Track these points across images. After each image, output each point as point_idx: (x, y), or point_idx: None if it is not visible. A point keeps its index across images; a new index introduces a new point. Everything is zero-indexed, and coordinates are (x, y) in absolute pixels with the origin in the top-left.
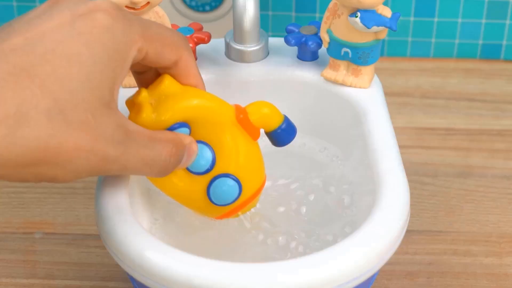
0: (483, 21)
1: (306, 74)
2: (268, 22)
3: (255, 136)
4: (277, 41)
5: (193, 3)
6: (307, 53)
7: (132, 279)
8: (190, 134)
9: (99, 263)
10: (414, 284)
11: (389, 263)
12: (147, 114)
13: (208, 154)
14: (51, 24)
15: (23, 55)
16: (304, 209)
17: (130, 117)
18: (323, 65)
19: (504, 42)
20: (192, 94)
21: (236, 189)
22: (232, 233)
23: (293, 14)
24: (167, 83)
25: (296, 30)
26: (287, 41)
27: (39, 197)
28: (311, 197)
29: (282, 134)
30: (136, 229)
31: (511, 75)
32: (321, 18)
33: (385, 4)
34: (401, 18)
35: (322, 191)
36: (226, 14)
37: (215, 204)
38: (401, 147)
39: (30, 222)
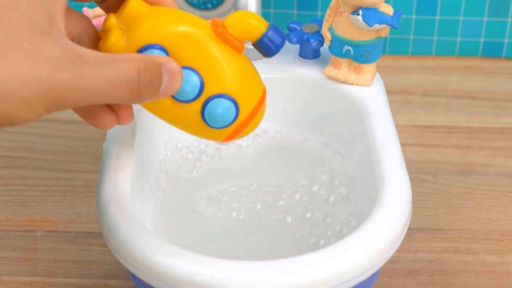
0: (485, 19)
1: (308, 72)
2: (269, 20)
3: (239, 49)
4: None
5: (195, 1)
6: (309, 51)
7: (134, 277)
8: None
9: (101, 261)
10: (416, 282)
11: (390, 261)
12: (116, 38)
13: (194, 78)
14: None
15: None
16: (307, 201)
17: (99, 44)
18: (325, 63)
19: (506, 40)
20: (162, 15)
21: (232, 108)
22: (234, 228)
23: (295, 12)
24: (134, 4)
25: (298, 28)
26: (288, 39)
27: (40, 195)
28: (316, 184)
29: (269, 42)
30: (138, 227)
31: None
32: (323, 16)
33: (386, 2)
34: (402, 16)
35: (325, 184)
36: (228, 12)
37: (214, 128)
38: (402, 145)
39: (31, 220)
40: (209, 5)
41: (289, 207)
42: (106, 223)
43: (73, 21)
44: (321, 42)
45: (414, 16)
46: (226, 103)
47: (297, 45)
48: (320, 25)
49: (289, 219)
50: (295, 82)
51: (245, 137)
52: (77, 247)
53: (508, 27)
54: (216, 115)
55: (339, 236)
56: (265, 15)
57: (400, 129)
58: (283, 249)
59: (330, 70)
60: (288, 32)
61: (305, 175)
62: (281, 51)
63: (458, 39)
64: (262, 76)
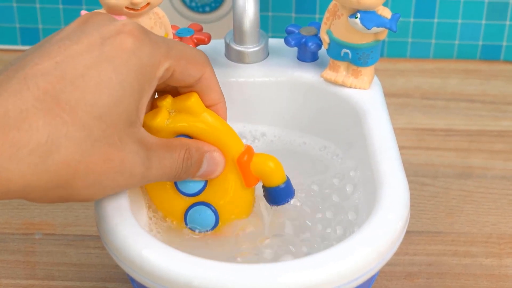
0: (483, 22)
1: (306, 75)
2: (268, 23)
3: (249, 183)
4: (277, 42)
5: (193, 4)
6: (307, 54)
7: (132, 280)
8: None
9: (99, 264)
10: (414, 285)
11: (389, 264)
12: (162, 119)
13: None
14: (80, 47)
15: (53, 79)
16: (307, 202)
17: (145, 116)
18: (323, 66)
19: (504, 43)
20: (209, 119)
21: (213, 221)
22: (234, 230)
23: (293, 15)
24: (193, 100)
25: (296, 31)
26: (287, 42)
27: None
28: (315, 187)
29: (278, 194)
30: (136, 230)
31: (511, 76)
32: (321, 19)
33: (385, 5)
34: (401, 19)
35: (323, 187)
36: (226, 15)
37: (189, 228)
38: (400, 148)
39: (30, 223)
40: (207, 8)
41: (288, 210)
42: (104, 226)
43: None
44: (319, 45)
45: (412, 19)
46: (209, 213)
47: (295, 48)
48: (318, 28)
49: (287, 221)
50: (293, 85)
51: (243, 141)
52: (76, 250)
53: (506, 30)
54: (196, 218)
55: (338, 238)
56: (263, 18)
57: (399, 132)
58: (282, 252)
59: (328, 73)
60: (286, 35)
61: (303, 178)
62: (279, 54)
63: (456, 42)
64: (260, 79)
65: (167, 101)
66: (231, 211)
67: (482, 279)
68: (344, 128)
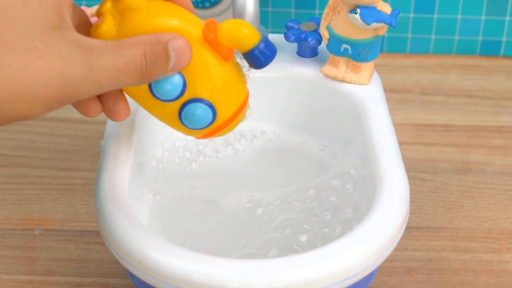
0: (483, 17)
1: (306, 70)
2: (267, 19)
3: (226, 57)
4: (276, 38)
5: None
6: (307, 49)
7: (132, 276)
8: None
9: (99, 260)
10: (414, 281)
11: (388, 259)
12: (107, 26)
13: (175, 79)
14: None
15: None
16: (307, 201)
17: (91, 30)
18: (322, 61)
19: (504, 39)
20: (157, 9)
21: (208, 113)
22: (234, 224)
23: (293, 10)
24: None
25: (296, 27)
26: (286, 38)
27: (38, 193)
28: (313, 191)
29: (258, 57)
30: (136, 226)
31: (511, 72)
32: (320, 15)
33: (384, 0)
34: (400, 14)
35: (324, 184)
36: (226, 10)
37: (189, 128)
38: (400, 143)
39: (29, 219)
40: (207, 4)
41: (288, 207)
42: (104, 221)
43: (74, 13)
44: (319, 41)
45: (412, 15)
46: (203, 108)
47: (295, 44)
48: (318, 23)
49: (288, 218)
50: (293, 81)
51: (243, 140)
52: (75, 246)
53: (506, 26)
54: (192, 118)
55: (338, 234)
56: (263, 13)
57: (398, 127)
58: (283, 247)
59: (328, 68)
60: (286, 30)
61: (302, 180)
62: (279, 49)
63: (456, 37)
64: (259, 74)
65: (107, 6)
66: (223, 95)
67: (482, 275)
68: (343, 124)
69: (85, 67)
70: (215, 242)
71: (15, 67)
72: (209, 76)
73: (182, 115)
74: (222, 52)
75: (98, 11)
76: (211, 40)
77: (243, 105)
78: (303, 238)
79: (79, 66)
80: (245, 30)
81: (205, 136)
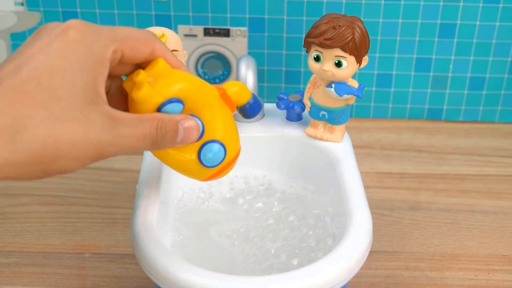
0: (429, 90)
1: (293, 131)
2: (263, 91)
3: (232, 108)
4: (270, 106)
5: (206, 77)
6: (294, 115)
7: None
8: (184, 108)
9: (134, 276)
10: None
11: (356, 276)
12: (148, 89)
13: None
14: (34, 49)
15: (13, 77)
16: (294, 226)
17: (131, 95)
18: (306, 124)
19: (445, 107)
20: (182, 75)
21: (222, 152)
22: (235, 251)
23: (283, 85)
24: (161, 65)
25: (285, 98)
26: (278, 106)
27: (88, 225)
28: (299, 220)
29: (250, 109)
30: (163, 250)
31: (451, 132)
32: (304, 88)
33: (353, 77)
34: (365, 88)
35: (308, 217)
36: None
37: (205, 166)
38: (365, 187)
39: (81, 245)
40: (217, 80)
41: (281, 237)
42: (138, 247)
43: (108, 83)
44: (303, 109)
45: (374, 88)
46: (218, 147)
47: (284, 111)
48: (302, 95)
49: (279, 245)
50: (283, 139)
51: (243, 183)
52: (117, 266)
53: (446, 97)
54: (210, 155)
55: (320, 257)
56: (260, 87)
57: (364, 175)
58: (275, 267)
59: (310, 130)
60: (277, 100)
61: (294, 212)
62: (272, 115)
63: (408, 106)
64: (257, 134)
65: (142, 74)
66: (231, 139)
67: None
68: (322, 171)
69: (113, 134)
70: (225, 261)
71: (62, 132)
72: (223, 122)
73: (202, 153)
74: (230, 104)
75: (134, 80)
76: (223, 95)
77: (238, 153)
78: (295, 262)
79: (109, 133)
80: (243, 89)
81: (210, 177)
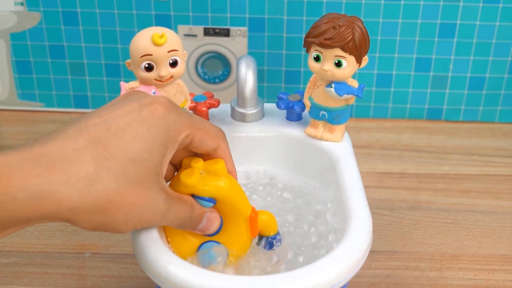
0: (428, 90)
1: (293, 131)
2: (263, 91)
3: (254, 233)
4: (270, 106)
5: (206, 77)
6: (294, 115)
7: None
8: (213, 207)
9: (134, 276)
10: None
11: (356, 276)
12: (196, 180)
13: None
14: (124, 110)
15: (101, 130)
16: (294, 219)
17: (181, 174)
18: (305, 124)
19: (445, 107)
20: (229, 182)
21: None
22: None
23: (283, 85)
24: (219, 166)
25: (285, 98)
26: (278, 106)
27: None
28: (301, 216)
29: (271, 243)
30: (162, 250)
31: (450, 132)
32: (304, 88)
33: (353, 77)
34: (365, 88)
35: (307, 208)
36: (231, 85)
37: (199, 260)
38: (365, 187)
39: (81, 245)
40: (217, 80)
41: (283, 231)
42: (138, 247)
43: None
44: (303, 108)
45: (374, 88)
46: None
47: (284, 111)
48: (302, 95)
49: (280, 240)
50: (283, 139)
51: (244, 182)
52: (116, 265)
53: (446, 97)
54: (207, 255)
55: (321, 255)
56: (260, 87)
57: (364, 175)
58: (277, 265)
59: (310, 130)
60: (277, 100)
61: (296, 208)
62: (272, 115)
63: (408, 106)
64: (257, 134)
65: (200, 164)
66: (235, 253)
67: None
68: (321, 172)
69: (166, 206)
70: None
71: (129, 192)
72: (237, 237)
73: (201, 249)
74: (254, 229)
75: (191, 164)
76: (252, 218)
77: None
78: (301, 259)
79: (164, 204)
80: (273, 223)
81: None
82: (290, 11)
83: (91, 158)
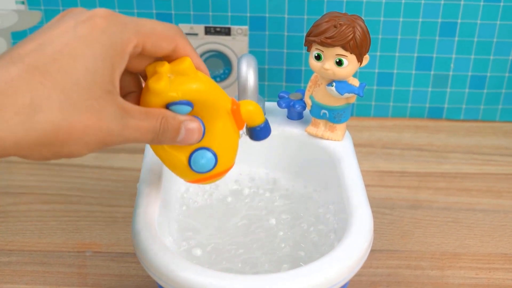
0: (429, 89)
1: (294, 130)
2: (264, 90)
3: (240, 126)
4: (271, 105)
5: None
6: (295, 114)
7: (160, 287)
8: (192, 110)
9: (135, 275)
10: None
11: (357, 275)
12: (165, 83)
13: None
14: (58, 30)
15: (36, 56)
16: (295, 222)
17: (148, 82)
18: (306, 123)
19: (445, 106)
20: (202, 78)
21: (212, 162)
22: (240, 243)
23: (284, 83)
24: (186, 64)
25: (286, 96)
26: (279, 105)
27: (89, 224)
28: (299, 217)
29: (260, 132)
30: (163, 249)
31: (451, 131)
32: (305, 87)
33: (354, 76)
34: (366, 87)
35: (308, 211)
36: (233, 84)
37: (192, 169)
38: (366, 186)
39: (82, 243)
40: (217, 79)
41: (285, 231)
42: (139, 246)
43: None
44: (304, 107)
45: (375, 87)
46: (210, 156)
47: (285, 109)
48: (303, 94)
49: (283, 241)
50: (284, 138)
51: (245, 181)
52: (117, 264)
53: (447, 96)
54: (199, 161)
55: (322, 251)
56: (261, 86)
57: (365, 173)
58: (280, 264)
59: (311, 128)
60: (278, 99)
61: (295, 209)
62: (273, 113)
63: (409, 104)
64: None
65: (166, 67)
66: (226, 153)
67: (429, 287)
68: (323, 170)
69: (122, 125)
70: (226, 259)
71: (76, 119)
72: (224, 134)
73: (192, 157)
74: (239, 121)
75: (156, 69)
76: (234, 111)
77: (230, 167)
78: (302, 253)
79: (118, 124)
80: (258, 111)
81: (196, 181)
82: (291, 10)
83: (27, 87)
